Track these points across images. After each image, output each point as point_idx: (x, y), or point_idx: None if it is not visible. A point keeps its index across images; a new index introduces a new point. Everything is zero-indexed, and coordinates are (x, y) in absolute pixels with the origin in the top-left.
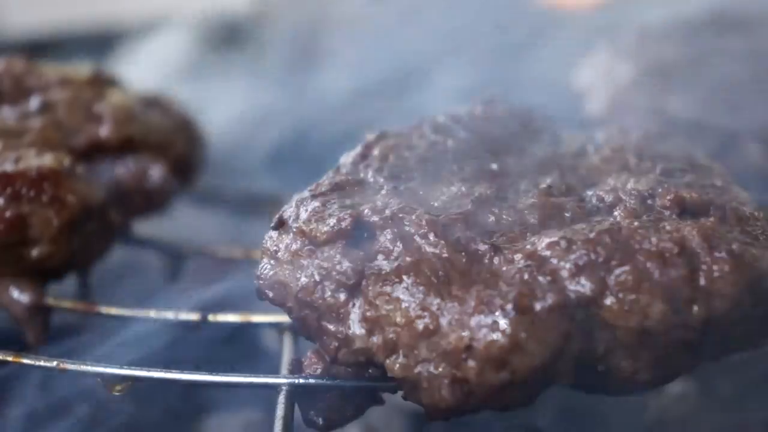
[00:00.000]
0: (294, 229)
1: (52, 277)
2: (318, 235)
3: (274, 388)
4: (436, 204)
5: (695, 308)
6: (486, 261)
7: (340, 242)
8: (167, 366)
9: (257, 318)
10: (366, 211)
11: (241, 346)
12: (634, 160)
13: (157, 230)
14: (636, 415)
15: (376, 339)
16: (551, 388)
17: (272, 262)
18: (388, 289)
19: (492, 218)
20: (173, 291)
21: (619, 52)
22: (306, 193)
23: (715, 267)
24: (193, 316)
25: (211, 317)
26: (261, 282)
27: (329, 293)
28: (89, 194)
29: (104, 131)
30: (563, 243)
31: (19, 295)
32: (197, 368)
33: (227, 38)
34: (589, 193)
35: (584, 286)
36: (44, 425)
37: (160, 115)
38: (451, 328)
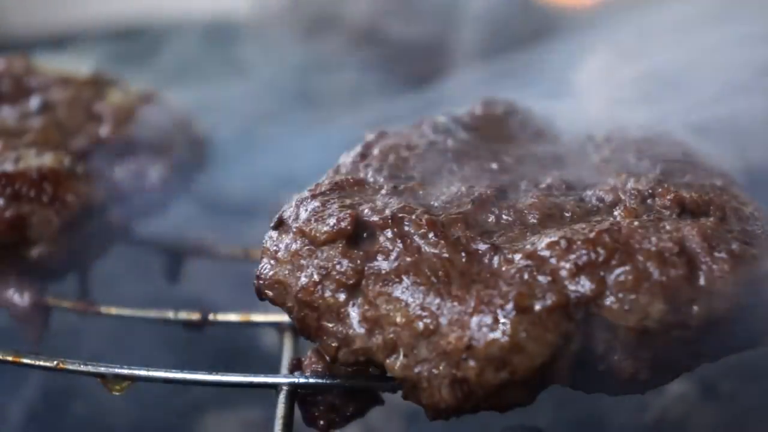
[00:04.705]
0: (294, 229)
1: (52, 277)
2: (318, 235)
3: (274, 388)
4: (436, 204)
5: (695, 308)
6: (486, 261)
7: (340, 242)
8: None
9: (257, 318)
10: (366, 211)
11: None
12: (634, 160)
13: (157, 230)
14: (636, 415)
15: (376, 339)
16: (551, 388)
17: (272, 262)
18: (388, 288)
19: (492, 218)
20: (173, 291)
21: (619, 52)
22: (306, 193)
23: (715, 267)
24: (193, 316)
25: (211, 317)
26: (261, 282)
27: (329, 293)
28: (89, 194)
29: (104, 131)
30: (563, 243)
31: (19, 295)
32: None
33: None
34: (589, 192)
35: (584, 285)
36: (44, 425)
37: (160, 115)
38: (451, 328)
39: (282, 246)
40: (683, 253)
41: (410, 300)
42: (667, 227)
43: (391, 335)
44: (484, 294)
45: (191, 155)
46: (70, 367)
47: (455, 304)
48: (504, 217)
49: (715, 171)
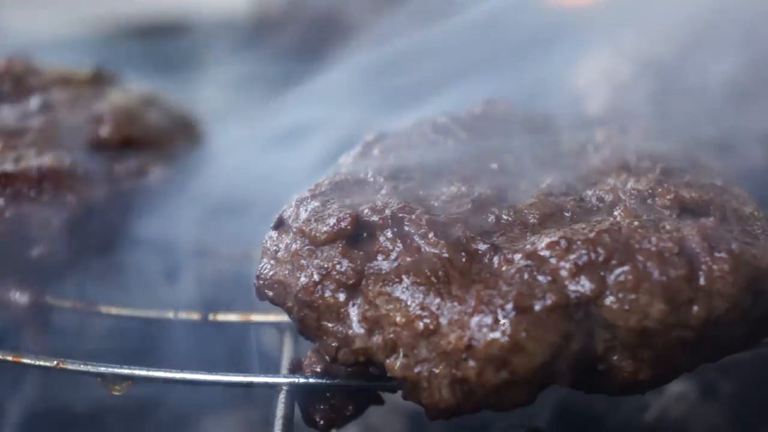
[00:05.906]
0: (294, 229)
1: (52, 277)
2: (318, 235)
3: (274, 388)
4: (436, 204)
5: (695, 308)
6: (486, 261)
7: (340, 242)
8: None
9: (257, 318)
10: (366, 210)
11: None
12: (634, 160)
13: (157, 230)
14: (636, 415)
15: (376, 339)
16: (551, 388)
17: (272, 262)
18: (388, 288)
19: (492, 218)
20: (173, 291)
21: (619, 52)
22: (306, 193)
23: (715, 267)
24: (193, 316)
25: (211, 317)
26: (261, 282)
27: (329, 293)
28: (89, 194)
29: (104, 131)
30: (563, 243)
31: (19, 295)
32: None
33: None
34: (589, 192)
35: (584, 285)
36: (44, 425)
37: (160, 114)
38: (451, 328)
39: (282, 246)
40: (683, 253)
41: (410, 300)
42: (667, 227)
43: (391, 335)
44: (484, 294)
45: (191, 155)
46: (70, 367)
47: (455, 304)
48: (504, 217)
49: (715, 171)
